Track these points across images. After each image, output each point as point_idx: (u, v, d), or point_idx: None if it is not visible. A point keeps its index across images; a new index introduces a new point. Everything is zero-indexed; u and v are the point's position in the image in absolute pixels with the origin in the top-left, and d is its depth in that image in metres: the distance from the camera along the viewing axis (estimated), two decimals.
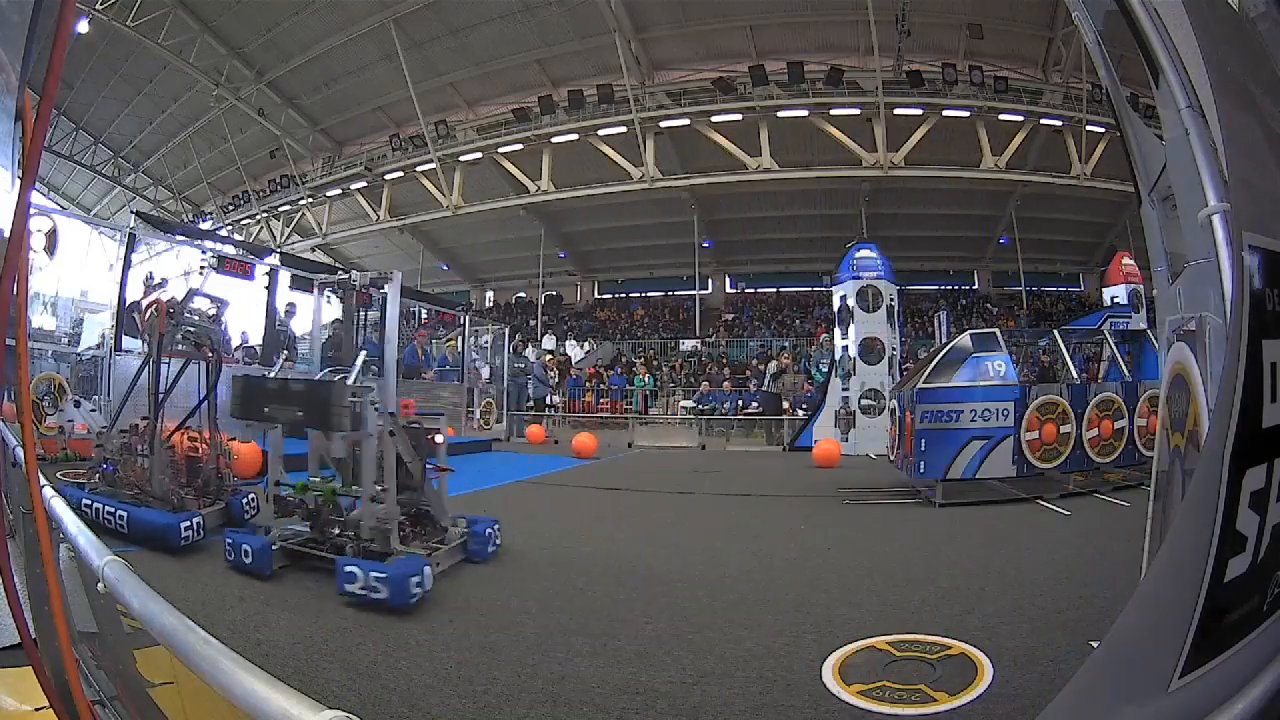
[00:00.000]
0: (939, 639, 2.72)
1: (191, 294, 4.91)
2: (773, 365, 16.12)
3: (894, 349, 12.57)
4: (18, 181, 1.10)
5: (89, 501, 4.36)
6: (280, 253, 12.16)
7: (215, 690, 0.95)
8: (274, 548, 3.69)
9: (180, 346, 4.82)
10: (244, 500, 4.70)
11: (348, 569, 3.24)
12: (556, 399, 16.67)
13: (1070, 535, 4.81)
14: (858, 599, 3.39)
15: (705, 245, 22.13)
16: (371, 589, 3.14)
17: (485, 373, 15.43)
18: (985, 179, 17.81)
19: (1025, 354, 8.32)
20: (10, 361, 1.25)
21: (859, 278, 12.64)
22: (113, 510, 4.26)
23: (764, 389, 15.22)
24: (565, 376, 17.62)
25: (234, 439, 5.44)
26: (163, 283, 11.25)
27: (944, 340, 10.06)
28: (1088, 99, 16.41)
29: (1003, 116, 17.35)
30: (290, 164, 22.83)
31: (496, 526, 4.15)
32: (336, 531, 3.73)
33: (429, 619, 3.09)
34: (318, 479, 3.98)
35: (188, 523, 4.12)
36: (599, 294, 26.30)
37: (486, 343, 16.23)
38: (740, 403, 15.08)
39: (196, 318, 4.87)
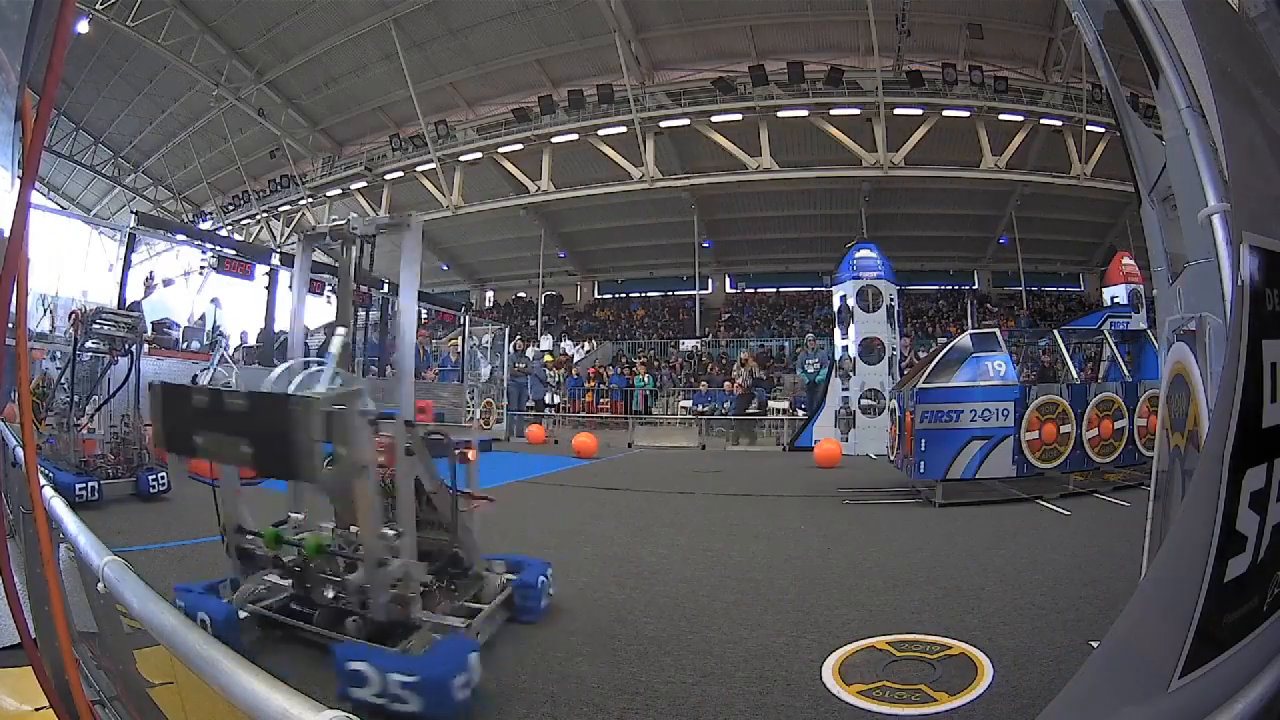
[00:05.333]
0: (939, 639, 2.72)
1: (98, 310, 6.26)
2: (740, 373, 15.73)
3: (894, 349, 12.58)
4: (18, 181, 1.10)
5: None
6: (280, 253, 12.14)
7: (215, 690, 0.95)
8: (242, 616, 2.70)
9: (91, 345, 6.08)
10: (150, 477, 5.70)
11: (352, 666, 2.19)
12: (556, 398, 16.67)
13: (1070, 535, 4.81)
14: (858, 599, 3.39)
15: (705, 245, 22.13)
16: (393, 697, 2.13)
17: (485, 371, 15.43)
18: (985, 179, 17.81)
19: (1025, 354, 8.32)
20: (10, 361, 1.24)
21: (859, 278, 12.64)
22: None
23: (733, 394, 15.15)
24: (566, 376, 17.62)
25: None
26: (166, 281, 11.28)
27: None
28: (1088, 99, 16.41)
29: (1003, 116, 17.34)
30: (290, 164, 22.82)
31: (549, 573, 3.17)
32: (331, 595, 2.63)
33: None
34: (293, 525, 2.89)
35: (83, 485, 5.21)
36: (599, 294, 26.29)
37: (487, 343, 16.23)
38: (731, 403, 15.07)
39: (108, 327, 6.05)
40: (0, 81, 1.08)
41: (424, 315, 14.83)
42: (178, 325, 10.39)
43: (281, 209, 24.07)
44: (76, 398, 6.07)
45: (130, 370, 6.19)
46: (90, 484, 5.35)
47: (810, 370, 14.00)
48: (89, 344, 6.12)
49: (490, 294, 27.19)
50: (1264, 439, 1.07)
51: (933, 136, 17.57)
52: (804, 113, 17.92)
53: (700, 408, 15.37)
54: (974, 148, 17.57)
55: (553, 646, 2.72)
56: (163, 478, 5.84)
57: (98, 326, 6.05)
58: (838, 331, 12.88)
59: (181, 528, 4.67)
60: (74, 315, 6.21)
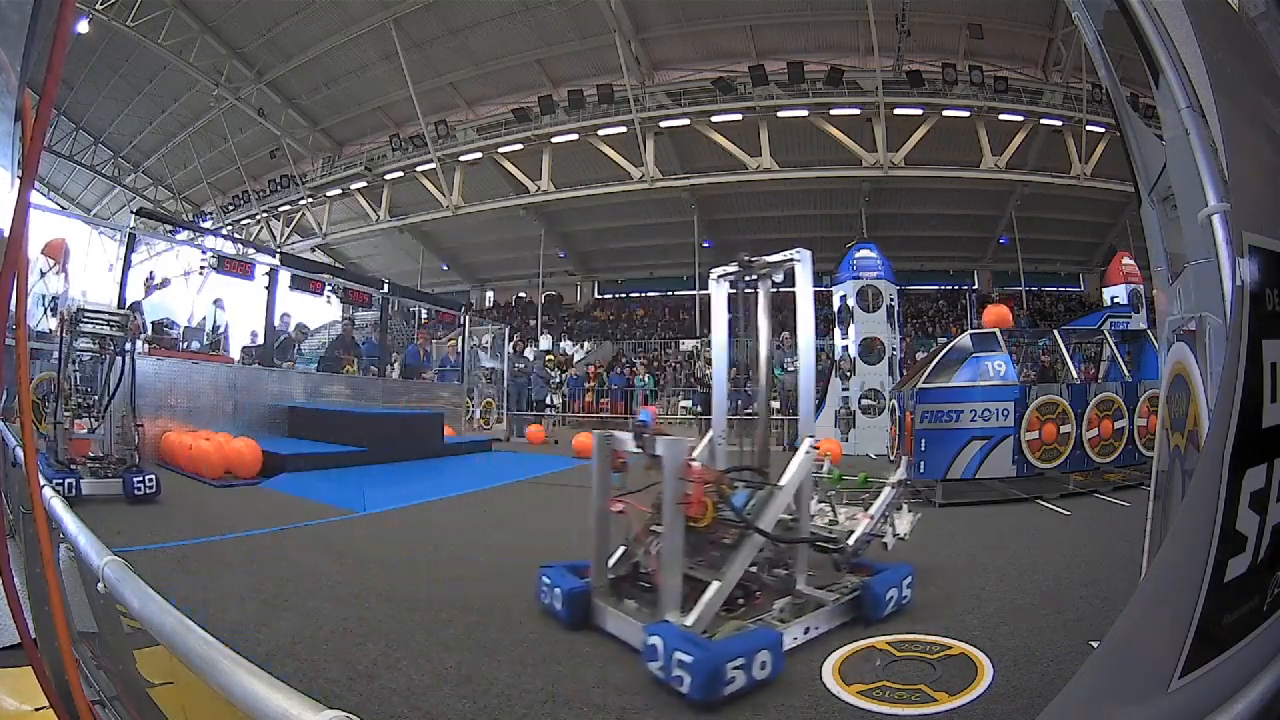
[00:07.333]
0: (939, 639, 2.72)
1: (80, 309, 6.11)
2: (708, 373, 15.95)
3: (894, 349, 12.57)
4: (18, 181, 1.10)
5: None
6: (280, 253, 12.16)
7: (215, 690, 0.95)
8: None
9: (82, 344, 6.00)
10: (135, 479, 5.51)
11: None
12: (556, 399, 16.68)
13: (1070, 535, 4.81)
14: None
15: (705, 245, 22.15)
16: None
17: (486, 360, 15.38)
18: (985, 179, 17.82)
19: (1025, 354, 8.31)
20: (10, 361, 1.24)
21: (859, 278, 12.63)
22: None
23: (699, 389, 15.13)
24: (567, 376, 17.64)
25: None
26: (165, 282, 11.28)
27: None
28: (1088, 99, 16.42)
29: (1003, 116, 17.36)
30: (290, 164, 22.83)
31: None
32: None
33: (426, 618, 3.08)
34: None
35: (59, 481, 5.11)
36: (599, 294, 26.29)
37: (487, 343, 16.24)
38: (739, 403, 15.06)
39: (95, 327, 5.98)
40: (0, 81, 1.08)
41: (424, 315, 14.83)
42: (178, 325, 10.38)
43: (281, 209, 24.09)
44: (71, 396, 5.98)
45: (122, 370, 6.09)
46: (68, 481, 5.24)
47: (790, 370, 14.00)
48: (81, 344, 6.02)
49: (490, 294, 27.20)
50: (1264, 439, 1.07)
51: (933, 136, 17.58)
52: (804, 113, 17.94)
53: (699, 408, 15.39)
54: (974, 148, 17.58)
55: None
56: (151, 480, 5.68)
57: (84, 325, 5.96)
58: (837, 331, 12.87)
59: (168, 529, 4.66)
60: (60, 314, 6.19)
